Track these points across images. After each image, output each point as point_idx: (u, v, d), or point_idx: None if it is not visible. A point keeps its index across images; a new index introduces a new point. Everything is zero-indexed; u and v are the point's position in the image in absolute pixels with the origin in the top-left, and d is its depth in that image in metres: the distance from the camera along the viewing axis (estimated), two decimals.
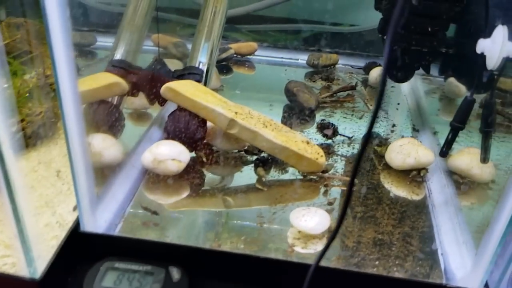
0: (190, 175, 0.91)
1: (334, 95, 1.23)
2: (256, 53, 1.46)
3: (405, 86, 1.32)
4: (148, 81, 0.96)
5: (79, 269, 0.75)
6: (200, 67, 0.99)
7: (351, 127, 1.11)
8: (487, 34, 0.77)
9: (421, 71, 1.10)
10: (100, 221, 0.77)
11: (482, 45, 0.77)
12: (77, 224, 0.76)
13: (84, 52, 1.34)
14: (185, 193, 0.87)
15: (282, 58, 1.48)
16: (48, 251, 0.72)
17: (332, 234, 0.57)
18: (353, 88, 1.26)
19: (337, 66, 1.41)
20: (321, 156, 0.91)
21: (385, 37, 1.04)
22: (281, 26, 1.54)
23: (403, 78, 1.09)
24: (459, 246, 0.77)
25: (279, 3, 1.49)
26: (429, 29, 0.96)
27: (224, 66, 1.40)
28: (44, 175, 0.89)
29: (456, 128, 0.87)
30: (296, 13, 1.53)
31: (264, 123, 0.91)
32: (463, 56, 0.96)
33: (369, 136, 0.50)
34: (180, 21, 1.48)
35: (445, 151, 0.89)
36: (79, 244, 0.75)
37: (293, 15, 1.54)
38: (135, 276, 0.71)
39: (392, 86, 1.33)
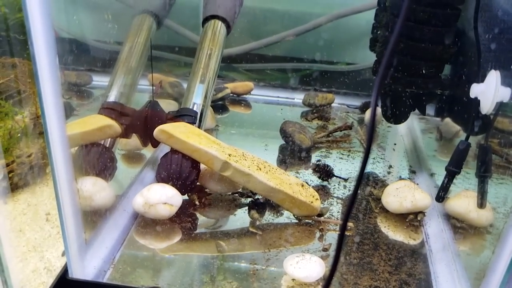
0: (182, 218, 0.89)
1: (330, 135, 1.22)
2: (252, 92, 1.47)
3: (401, 126, 1.32)
4: (142, 123, 0.95)
5: None
6: (195, 108, 0.99)
7: (347, 168, 1.10)
8: (480, 79, 0.77)
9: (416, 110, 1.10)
10: (88, 268, 0.75)
11: (476, 90, 0.76)
12: (65, 270, 0.74)
13: (79, 92, 1.34)
14: (177, 238, 0.85)
15: (278, 97, 1.48)
16: None
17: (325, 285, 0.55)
18: (349, 127, 1.25)
19: (333, 105, 1.41)
20: (316, 199, 0.90)
21: None
22: (278, 65, 1.55)
23: (399, 120, 1.09)
24: None
25: (276, 42, 1.50)
26: (423, 71, 0.96)
27: (220, 106, 1.40)
28: (33, 218, 0.87)
29: (452, 172, 0.85)
30: (293, 52, 1.54)
31: (258, 165, 0.90)
32: (458, 98, 0.96)
33: (358, 186, 0.49)
34: (176, 60, 1.49)
35: (441, 196, 0.88)
36: None
37: (290, 54, 1.55)
38: None
39: (389, 126, 1.32)
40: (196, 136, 0.90)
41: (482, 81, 0.76)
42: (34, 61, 0.59)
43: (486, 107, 0.74)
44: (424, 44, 0.94)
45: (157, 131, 0.89)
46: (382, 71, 0.50)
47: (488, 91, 0.73)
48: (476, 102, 0.77)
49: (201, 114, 0.99)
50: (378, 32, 1.07)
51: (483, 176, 0.80)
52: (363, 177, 0.48)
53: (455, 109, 0.99)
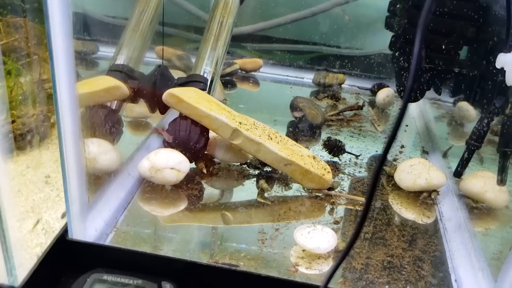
0: (189, 186, 0.86)
1: (341, 113, 1.19)
2: (261, 70, 1.43)
3: (413, 109, 1.29)
4: (150, 88, 0.92)
5: (64, 280, 0.69)
6: (205, 75, 0.95)
7: (358, 146, 1.07)
8: (508, 49, 0.74)
9: (429, 95, 1.06)
10: (90, 229, 0.71)
11: (503, 60, 0.73)
12: (64, 232, 0.70)
13: (85, 61, 1.30)
14: (183, 206, 0.82)
15: (287, 76, 1.45)
16: (30, 259, 0.66)
17: (345, 251, 0.52)
18: (360, 108, 1.22)
19: (343, 86, 1.38)
20: (328, 172, 0.87)
21: (397, 53, 1.01)
22: (287, 46, 1.51)
23: (415, 97, 1.05)
24: (475, 273, 0.71)
25: (286, 23, 1.47)
26: (443, 46, 0.93)
27: (228, 81, 1.37)
28: (32, 180, 0.84)
29: (473, 146, 0.82)
30: (302, 35, 1.51)
31: (269, 135, 0.87)
32: (477, 76, 0.92)
33: (385, 155, 0.45)
34: (185, 37, 1.46)
35: (460, 171, 0.85)
36: (65, 253, 0.70)
37: (299, 37, 1.52)
38: None
39: (400, 108, 1.29)
40: (206, 102, 0.87)
41: (510, 51, 0.73)
42: (46, 7, 0.56)
43: None
44: (444, 18, 0.91)
45: (166, 95, 0.86)
46: (418, 50, 0.46)
47: None
48: (501, 73, 0.73)
49: (211, 81, 0.95)
50: (397, 6, 1.03)
51: (504, 151, 0.77)
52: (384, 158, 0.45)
53: (473, 88, 0.96)
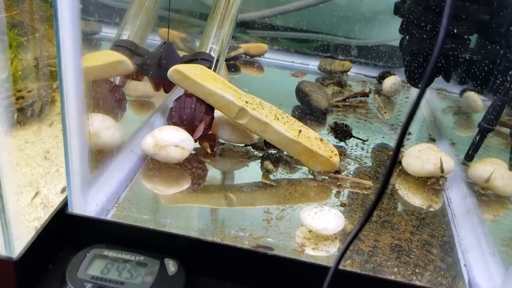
0: (193, 165, 0.84)
1: (347, 100, 1.17)
2: (265, 55, 1.41)
3: None
4: (155, 64, 0.90)
5: (63, 255, 0.67)
6: (211, 54, 0.93)
7: (364, 132, 1.05)
8: None
9: (434, 85, 1.04)
10: (91, 204, 0.70)
11: None
12: (64, 206, 0.68)
13: (87, 40, 1.28)
14: (186, 185, 0.80)
15: (292, 62, 1.42)
16: (28, 232, 0.64)
17: (356, 230, 0.50)
18: (366, 95, 1.20)
19: (349, 74, 1.36)
20: (335, 154, 0.85)
21: (407, 36, 0.99)
22: (293, 34, 1.49)
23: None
24: (485, 258, 0.70)
25: (291, 11, 1.45)
26: (454, 30, 0.91)
27: (232, 65, 1.34)
28: (31, 154, 0.81)
29: (485, 129, 0.80)
30: (307, 24, 1.49)
31: (276, 115, 0.85)
32: (489, 61, 0.91)
33: (401, 142, 0.43)
34: (190, 23, 1.44)
35: (471, 155, 0.83)
36: (65, 227, 0.68)
37: (303, 26, 1.50)
38: (125, 266, 0.64)
39: (406, 97, 1.28)
40: (212, 79, 0.85)
41: None
42: None
43: None
44: (457, 2, 0.89)
45: (171, 71, 0.83)
46: (443, 35, 0.43)
47: None
48: None
49: (217, 60, 0.93)
50: None
51: None
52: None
53: (483, 75, 0.94)
